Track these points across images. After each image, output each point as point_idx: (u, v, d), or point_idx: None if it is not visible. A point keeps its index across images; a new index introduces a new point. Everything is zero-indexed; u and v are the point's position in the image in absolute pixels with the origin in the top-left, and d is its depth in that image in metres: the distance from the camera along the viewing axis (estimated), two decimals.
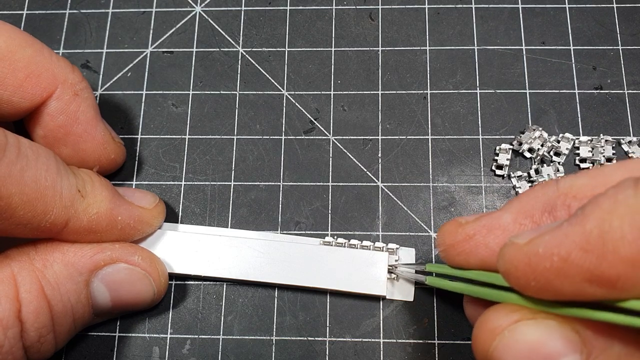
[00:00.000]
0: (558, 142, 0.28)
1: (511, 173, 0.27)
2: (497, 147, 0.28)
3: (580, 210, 0.15)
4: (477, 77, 0.29)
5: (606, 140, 0.27)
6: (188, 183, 0.28)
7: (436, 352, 0.25)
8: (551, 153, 0.27)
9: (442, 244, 0.20)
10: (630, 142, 0.27)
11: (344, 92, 0.29)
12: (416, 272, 0.25)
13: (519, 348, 0.16)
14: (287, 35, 0.30)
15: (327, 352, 0.25)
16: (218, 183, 0.28)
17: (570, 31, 0.30)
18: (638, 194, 0.13)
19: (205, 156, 0.29)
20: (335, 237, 0.27)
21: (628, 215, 0.13)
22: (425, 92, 0.29)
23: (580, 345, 0.16)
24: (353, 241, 0.26)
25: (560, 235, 0.15)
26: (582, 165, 0.27)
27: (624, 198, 0.14)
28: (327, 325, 0.26)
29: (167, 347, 0.26)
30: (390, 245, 0.26)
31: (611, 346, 0.15)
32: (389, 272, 0.25)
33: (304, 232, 0.27)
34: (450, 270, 0.21)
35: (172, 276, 0.26)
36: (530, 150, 0.27)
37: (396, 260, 0.26)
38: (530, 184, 0.27)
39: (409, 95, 0.29)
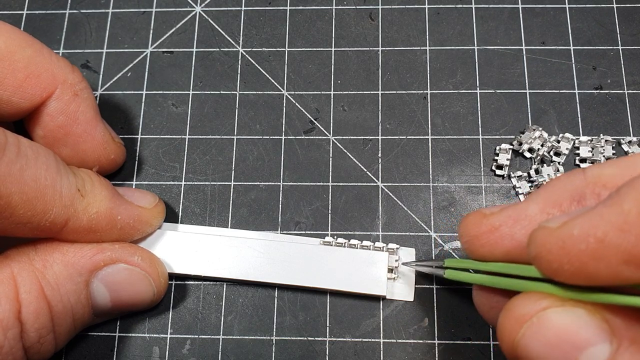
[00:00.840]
0: (558, 142, 0.28)
1: (511, 173, 0.27)
2: (497, 147, 0.28)
3: (615, 193, 0.14)
4: (477, 77, 0.29)
5: (606, 140, 0.27)
6: (188, 183, 0.28)
7: (436, 352, 0.25)
8: (551, 153, 0.27)
9: (465, 235, 0.20)
10: (630, 142, 0.27)
11: (344, 92, 0.29)
12: (434, 267, 0.24)
13: (548, 335, 0.16)
14: (287, 35, 0.30)
15: (327, 352, 0.25)
16: (218, 183, 0.28)
17: (570, 31, 0.30)
18: None
19: (205, 156, 0.29)
20: (335, 237, 0.27)
21: None
22: (425, 92, 0.29)
23: (610, 335, 0.15)
24: (353, 241, 0.26)
25: (596, 216, 0.14)
26: (582, 165, 0.27)
27: None
28: (327, 325, 0.26)
29: (167, 347, 0.26)
30: (390, 245, 0.26)
31: None
32: (401, 267, 0.25)
33: (304, 232, 0.27)
34: (470, 264, 0.21)
35: (172, 276, 0.26)
36: (530, 150, 0.27)
37: (396, 261, 0.26)
38: (530, 184, 0.27)
39: (409, 95, 0.29)
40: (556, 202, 0.18)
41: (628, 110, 0.28)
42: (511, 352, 0.17)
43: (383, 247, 0.26)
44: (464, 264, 0.21)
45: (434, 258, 0.26)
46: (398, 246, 0.26)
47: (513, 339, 0.17)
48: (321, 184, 0.28)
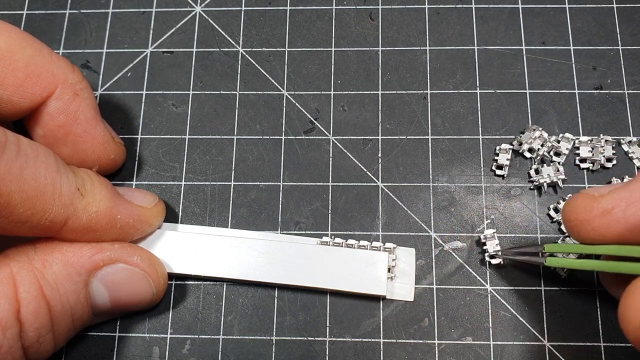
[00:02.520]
0: (558, 142, 0.27)
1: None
2: (497, 147, 0.28)
3: None
4: (477, 77, 0.29)
5: (606, 140, 0.27)
6: (188, 183, 0.28)
7: (436, 352, 0.25)
8: (551, 153, 0.27)
9: (573, 219, 0.19)
10: (630, 142, 0.27)
11: (344, 92, 0.29)
12: (529, 254, 0.24)
13: None
14: (287, 35, 0.30)
15: (327, 352, 0.25)
16: (218, 183, 0.28)
17: (570, 31, 0.30)
18: None
19: (205, 156, 0.29)
20: (333, 237, 0.27)
21: None
22: (425, 92, 0.29)
23: None
24: (350, 241, 0.26)
25: None
26: (582, 165, 0.27)
27: None
28: (327, 325, 0.26)
29: (167, 347, 0.26)
30: (388, 245, 0.26)
31: None
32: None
33: (304, 232, 0.27)
34: (576, 248, 0.20)
35: (172, 276, 0.26)
36: (530, 150, 0.27)
37: (394, 260, 0.26)
38: (530, 184, 0.27)
39: (409, 95, 0.29)
40: None
41: (628, 110, 0.28)
42: (638, 336, 0.16)
43: (380, 246, 0.26)
44: (568, 248, 0.21)
45: (433, 259, 0.26)
46: (395, 245, 0.26)
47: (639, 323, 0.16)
48: (321, 184, 0.28)
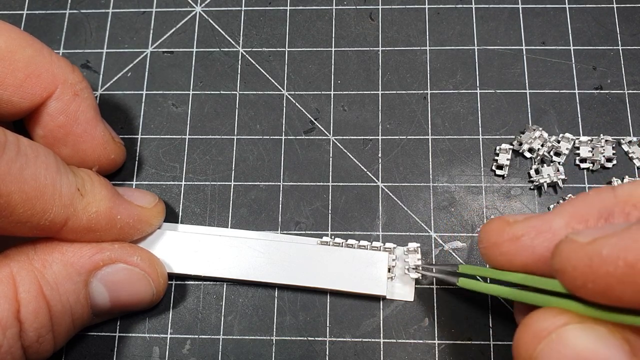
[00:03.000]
0: (558, 142, 0.27)
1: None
2: (497, 147, 0.28)
3: None
4: (477, 77, 0.29)
5: (606, 140, 0.27)
6: (188, 183, 0.28)
7: (436, 352, 0.25)
8: (551, 153, 0.27)
9: (485, 240, 0.19)
10: (630, 142, 0.27)
11: (344, 92, 0.29)
12: (446, 273, 0.24)
13: (567, 353, 0.15)
14: (287, 35, 0.30)
15: (327, 352, 0.25)
16: (218, 183, 0.28)
17: (570, 31, 0.30)
18: None
19: (205, 156, 0.29)
20: (333, 237, 0.27)
21: None
22: (425, 92, 0.29)
23: (630, 356, 0.15)
24: (351, 241, 0.26)
25: (628, 239, 0.14)
26: (582, 165, 0.27)
27: None
28: (327, 325, 0.26)
29: (167, 347, 0.26)
30: (388, 245, 0.26)
31: None
32: (413, 270, 0.25)
33: (304, 232, 0.27)
34: (488, 272, 0.20)
35: (172, 276, 0.26)
36: (531, 150, 0.27)
37: (394, 260, 0.26)
38: (530, 184, 0.27)
39: (409, 95, 0.29)
40: (583, 217, 0.17)
41: (628, 110, 0.28)
42: None
43: (380, 246, 0.26)
44: (480, 272, 0.21)
45: (433, 259, 0.26)
46: (395, 245, 0.26)
47: (530, 355, 0.16)
48: (321, 184, 0.28)
